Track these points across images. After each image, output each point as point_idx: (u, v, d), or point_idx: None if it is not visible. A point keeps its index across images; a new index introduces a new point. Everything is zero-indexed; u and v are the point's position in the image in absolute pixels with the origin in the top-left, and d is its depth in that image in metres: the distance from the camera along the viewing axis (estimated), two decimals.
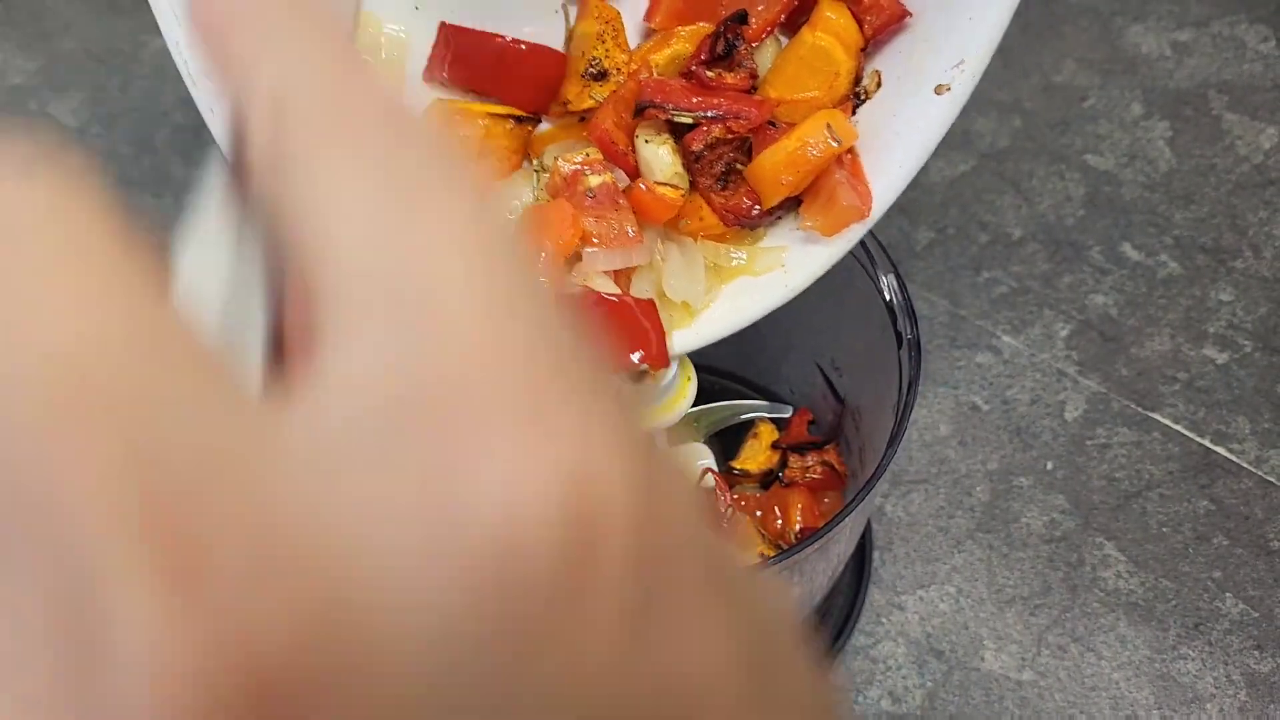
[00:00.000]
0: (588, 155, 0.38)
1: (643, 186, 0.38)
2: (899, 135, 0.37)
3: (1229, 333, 0.57)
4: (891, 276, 0.41)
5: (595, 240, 0.37)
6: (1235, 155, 0.63)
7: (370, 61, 0.16)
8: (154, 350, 0.11)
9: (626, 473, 0.12)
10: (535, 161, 0.40)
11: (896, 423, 0.39)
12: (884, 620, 0.49)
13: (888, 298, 0.41)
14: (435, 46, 0.39)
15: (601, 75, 0.39)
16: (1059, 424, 0.55)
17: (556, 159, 0.38)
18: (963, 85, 0.36)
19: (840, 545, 0.41)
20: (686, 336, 0.39)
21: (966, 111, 0.38)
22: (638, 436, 0.13)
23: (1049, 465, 0.53)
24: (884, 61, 0.38)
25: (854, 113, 0.39)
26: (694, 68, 0.38)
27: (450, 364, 0.12)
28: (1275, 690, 0.47)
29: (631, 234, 0.37)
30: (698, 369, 0.43)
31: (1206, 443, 0.54)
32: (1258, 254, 0.60)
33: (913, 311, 0.41)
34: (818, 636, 0.49)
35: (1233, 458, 0.53)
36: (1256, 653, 0.48)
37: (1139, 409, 0.55)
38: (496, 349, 0.12)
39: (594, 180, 0.37)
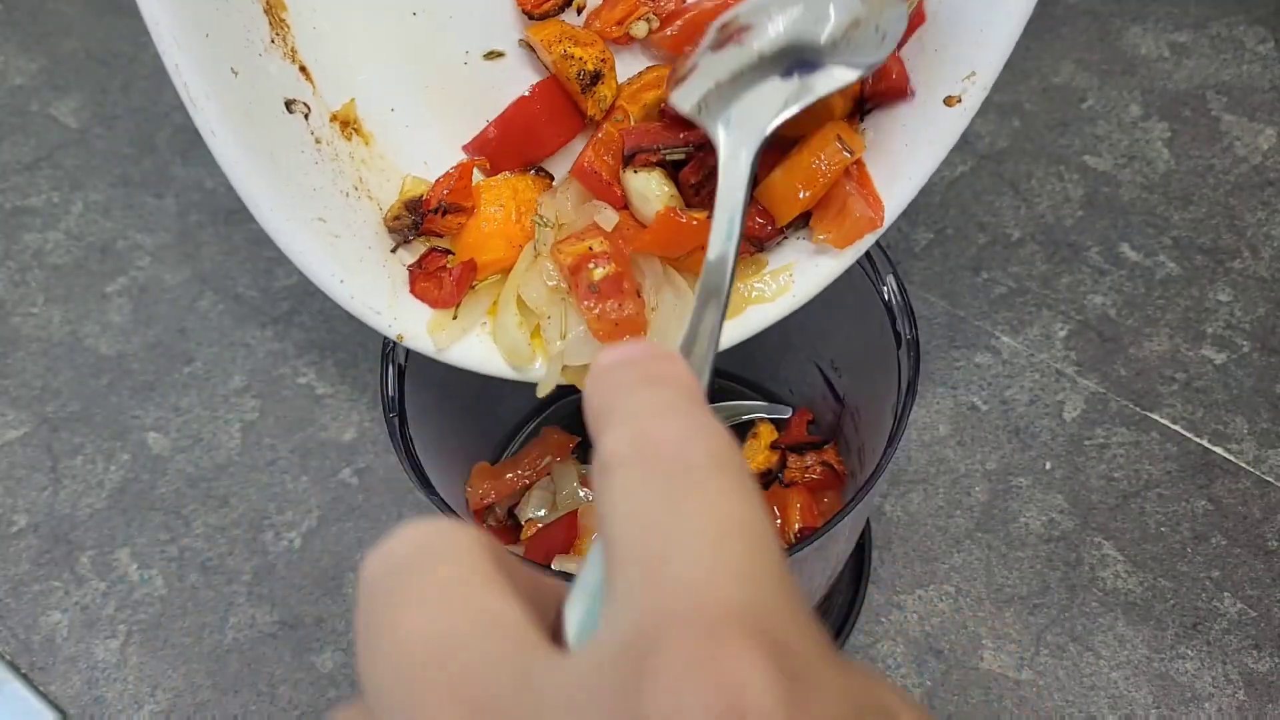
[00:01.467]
0: (590, 248, 0.38)
1: (677, 215, 0.38)
2: (908, 146, 0.37)
3: (1227, 333, 0.57)
4: (890, 277, 0.41)
5: (594, 333, 0.37)
6: (1233, 156, 0.63)
7: (707, 418, 0.20)
8: (487, 630, 0.17)
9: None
10: (537, 215, 0.40)
11: (895, 423, 0.39)
12: (883, 620, 0.50)
13: (887, 298, 0.41)
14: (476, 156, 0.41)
15: (596, 77, 0.39)
16: (1057, 424, 0.55)
17: (560, 248, 0.38)
18: (973, 97, 0.36)
19: (839, 545, 0.42)
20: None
21: None
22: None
23: (1047, 465, 0.53)
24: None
25: (861, 119, 0.39)
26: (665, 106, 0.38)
27: (666, 610, 0.16)
28: (1273, 689, 0.47)
29: (631, 315, 0.37)
30: None
31: (1205, 443, 0.54)
32: (1256, 254, 0.60)
33: (912, 312, 0.41)
34: None
35: (1231, 458, 0.53)
36: (1254, 652, 0.48)
37: (1137, 409, 0.55)
38: (710, 595, 0.16)
39: (598, 273, 0.37)
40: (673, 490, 0.18)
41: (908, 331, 0.41)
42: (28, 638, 0.51)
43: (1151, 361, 0.56)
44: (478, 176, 0.40)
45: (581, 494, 0.47)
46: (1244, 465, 0.53)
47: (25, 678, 0.50)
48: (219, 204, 0.66)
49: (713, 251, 0.31)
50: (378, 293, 0.38)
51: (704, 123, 0.35)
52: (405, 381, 0.41)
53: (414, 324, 0.39)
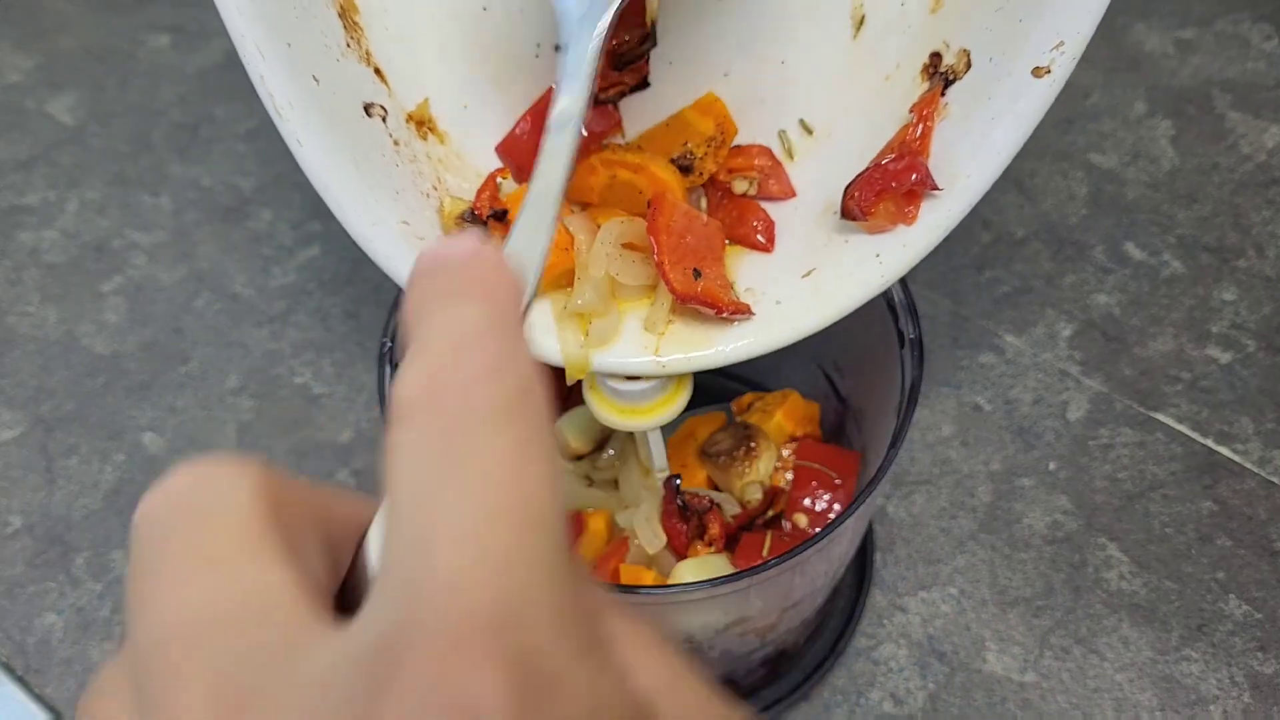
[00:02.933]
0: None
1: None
2: (995, 119, 0.36)
3: (1232, 332, 0.57)
4: None
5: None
6: (1239, 154, 0.63)
7: (510, 351, 0.18)
8: (248, 612, 0.17)
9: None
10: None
11: (899, 423, 0.38)
12: (886, 622, 0.49)
13: (890, 297, 0.41)
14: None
15: (687, 170, 0.39)
16: (1062, 424, 0.54)
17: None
18: (1062, 67, 0.35)
19: (842, 546, 0.41)
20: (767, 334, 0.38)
21: None
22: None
23: (1052, 466, 0.53)
24: (973, 40, 0.37)
25: (943, 93, 0.38)
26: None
27: (415, 619, 0.15)
28: (1279, 692, 0.46)
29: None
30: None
31: (1210, 443, 0.53)
32: (1261, 253, 0.59)
33: (915, 311, 0.40)
34: (819, 639, 0.49)
35: (1236, 458, 0.53)
36: (1260, 654, 0.47)
37: (1142, 409, 0.54)
38: (461, 599, 0.15)
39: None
40: (449, 453, 0.17)
41: (911, 331, 0.40)
42: (23, 640, 0.51)
43: (1156, 361, 0.56)
44: (507, 187, 0.40)
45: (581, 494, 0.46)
46: (1249, 466, 0.52)
47: (20, 680, 0.50)
48: (215, 202, 0.66)
49: (555, 108, 0.29)
50: None
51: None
52: None
53: None
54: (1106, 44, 0.68)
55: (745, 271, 0.40)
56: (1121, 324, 0.57)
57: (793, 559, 0.36)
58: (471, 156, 0.41)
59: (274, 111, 0.36)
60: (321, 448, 0.56)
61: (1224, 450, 0.53)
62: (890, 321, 0.41)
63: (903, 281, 0.41)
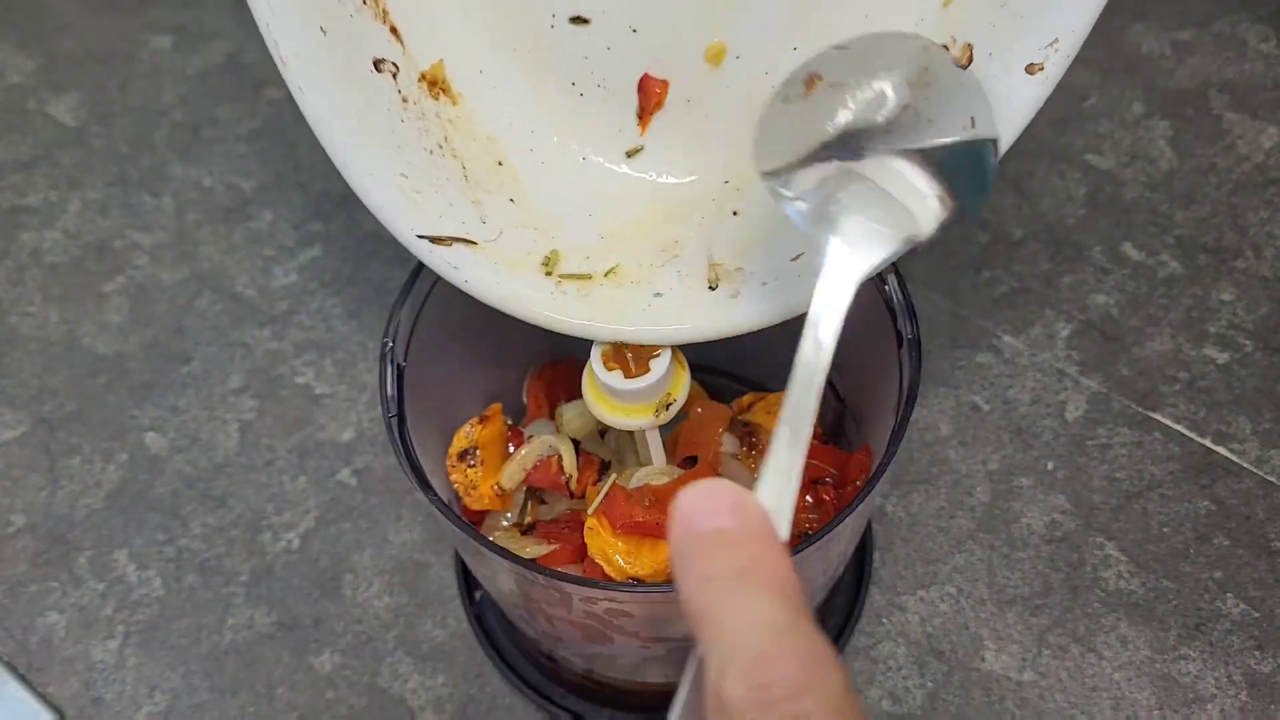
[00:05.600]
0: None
1: None
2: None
3: (1230, 333, 0.57)
4: (892, 275, 0.41)
5: None
6: (1236, 155, 0.63)
7: (814, 641, 0.21)
8: None
9: None
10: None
11: (897, 423, 0.38)
12: (884, 621, 0.49)
13: (888, 297, 0.41)
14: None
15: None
16: (1060, 424, 0.54)
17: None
18: (1056, 65, 0.35)
19: (840, 545, 0.41)
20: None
21: None
22: None
23: (1050, 465, 0.53)
24: (977, 35, 0.37)
25: None
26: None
27: None
28: (1276, 691, 0.47)
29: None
30: (695, 369, 0.43)
31: (1207, 443, 0.53)
32: (1259, 254, 0.59)
33: (913, 311, 0.41)
34: None
35: (1234, 458, 0.53)
36: (1257, 653, 0.48)
37: (1140, 409, 0.55)
38: None
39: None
40: None
41: (909, 331, 0.40)
42: (25, 639, 0.51)
43: (1154, 361, 0.56)
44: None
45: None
46: (1247, 466, 0.53)
47: (23, 679, 0.50)
48: (217, 203, 0.66)
49: (796, 382, 0.29)
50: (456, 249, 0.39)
51: (811, 225, 0.33)
52: (404, 381, 0.40)
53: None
54: (1104, 45, 0.68)
55: (735, 250, 0.40)
56: (1119, 324, 0.57)
57: (791, 558, 0.36)
58: (483, 121, 0.41)
59: (278, 59, 0.37)
60: (323, 447, 0.56)
61: (1221, 450, 0.53)
62: (888, 321, 0.41)
63: (901, 281, 0.41)
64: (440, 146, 0.40)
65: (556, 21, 0.41)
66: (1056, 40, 0.35)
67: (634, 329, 0.40)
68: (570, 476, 0.45)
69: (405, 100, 0.40)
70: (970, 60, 0.37)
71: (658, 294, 0.40)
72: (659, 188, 0.43)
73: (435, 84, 0.41)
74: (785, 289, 0.39)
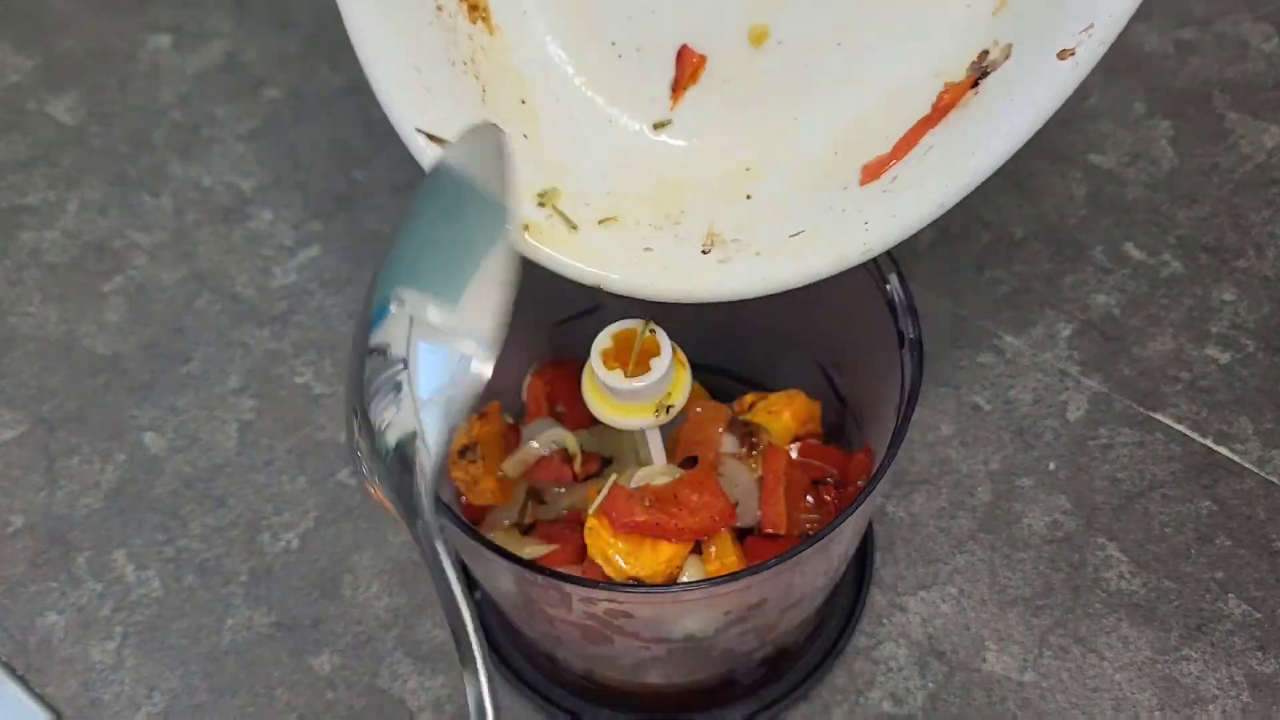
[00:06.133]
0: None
1: None
2: (1012, 100, 0.35)
3: (1232, 333, 0.57)
4: (893, 275, 0.41)
5: None
6: (1238, 154, 0.63)
7: None
8: None
9: None
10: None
11: (898, 423, 0.38)
12: (885, 622, 0.49)
13: (890, 297, 0.41)
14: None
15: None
16: (1061, 424, 0.54)
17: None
18: (1088, 51, 0.34)
19: (841, 546, 0.41)
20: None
21: None
22: None
23: (1051, 466, 0.53)
24: (1016, 29, 0.36)
25: (975, 85, 0.37)
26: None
27: None
28: (1278, 692, 0.47)
29: None
30: (696, 369, 0.43)
31: (1209, 443, 0.53)
32: (1260, 253, 0.59)
33: (915, 311, 0.40)
34: (819, 638, 0.49)
35: (1235, 458, 0.53)
36: (1259, 654, 0.47)
37: (1141, 409, 0.55)
38: None
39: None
40: None
41: (910, 331, 0.40)
42: (24, 639, 0.51)
43: (1156, 361, 0.56)
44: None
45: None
46: (1249, 466, 0.52)
47: (21, 679, 0.50)
48: (216, 203, 0.66)
49: None
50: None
51: None
52: None
53: None
54: None
55: (737, 226, 0.40)
56: (1121, 324, 0.57)
57: (792, 559, 0.36)
58: (515, 58, 0.41)
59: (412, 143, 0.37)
60: (323, 447, 0.56)
61: (1223, 450, 0.53)
62: (890, 321, 0.41)
63: (903, 281, 0.41)
64: (465, 64, 0.40)
65: None
66: (1091, 25, 0.34)
67: (618, 277, 0.39)
68: (575, 457, 0.45)
69: (440, 8, 0.39)
70: (1008, 58, 0.36)
71: (648, 249, 0.40)
72: (678, 162, 0.43)
73: (475, 9, 0.40)
74: (777, 262, 0.38)
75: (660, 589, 0.39)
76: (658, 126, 0.43)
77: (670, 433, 0.46)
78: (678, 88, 0.42)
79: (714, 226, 0.40)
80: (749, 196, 0.41)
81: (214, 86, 0.71)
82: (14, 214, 0.66)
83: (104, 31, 0.74)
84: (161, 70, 0.72)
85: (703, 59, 0.42)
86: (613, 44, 0.42)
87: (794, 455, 0.46)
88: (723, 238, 0.40)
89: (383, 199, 0.65)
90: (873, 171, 0.39)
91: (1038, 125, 0.35)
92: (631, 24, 0.41)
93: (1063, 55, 0.34)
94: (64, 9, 0.76)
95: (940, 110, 0.38)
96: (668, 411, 0.41)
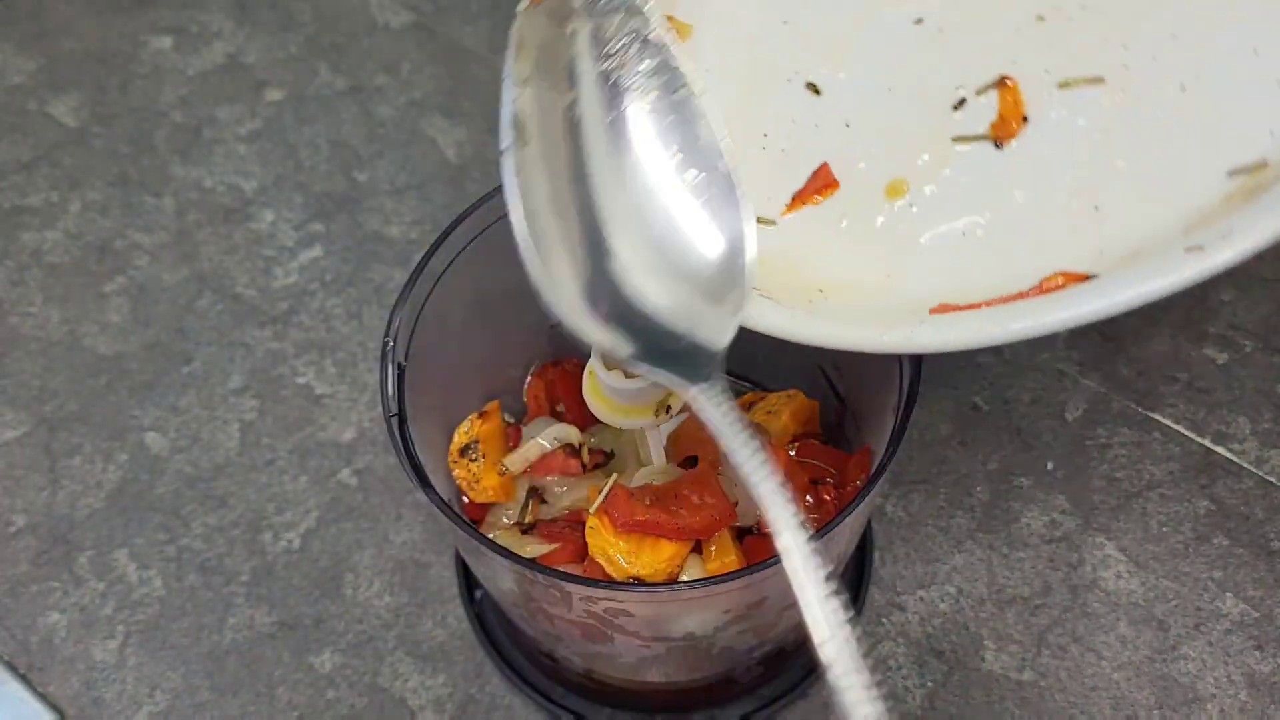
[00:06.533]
0: None
1: None
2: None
3: (1229, 333, 0.57)
4: None
5: None
6: None
7: None
8: None
9: None
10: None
11: (897, 422, 0.39)
12: (884, 620, 0.49)
13: None
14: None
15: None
16: (1059, 424, 0.54)
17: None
18: (1218, 254, 0.32)
19: (840, 545, 0.41)
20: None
21: None
22: None
23: (1049, 465, 0.53)
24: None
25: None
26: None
27: None
28: (1276, 691, 0.47)
29: None
30: None
31: (1207, 443, 0.53)
32: (1259, 254, 0.59)
33: None
34: None
35: (1233, 458, 0.53)
36: (1257, 653, 0.48)
37: (1139, 409, 0.55)
38: None
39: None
40: None
41: None
42: (26, 638, 0.51)
43: (1153, 361, 0.56)
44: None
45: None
46: (1246, 465, 0.53)
47: (23, 678, 0.50)
48: (217, 203, 0.66)
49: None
50: None
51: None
52: (404, 381, 0.40)
53: None
54: None
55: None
56: (1119, 323, 0.57)
57: None
58: (687, 62, 0.40)
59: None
60: (324, 447, 0.56)
61: (1221, 450, 0.53)
62: None
63: None
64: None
65: (794, 78, 0.41)
66: (1233, 232, 0.32)
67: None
68: (581, 446, 0.45)
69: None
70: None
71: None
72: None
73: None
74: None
75: (660, 588, 0.39)
76: (760, 221, 0.42)
77: (670, 433, 0.46)
78: (798, 199, 0.41)
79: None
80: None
81: (215, 88, 0.71)
82: (16, 215, 0.66)
83: (105, 33, 0.75)
84: (163, 71, 0.72)
85: (835, 185, 0.41)
86: (765, 135, 0.41)
87: (793, 455, 0.46)
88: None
89: (383, 200, 0.65)
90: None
91: (1135, 305, 0.33)
92: (792, 126, 0.41)
93: (1190, 250, 0.33)
94: (66, 11, 0.76)
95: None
96: (667, 412, 0.42)
